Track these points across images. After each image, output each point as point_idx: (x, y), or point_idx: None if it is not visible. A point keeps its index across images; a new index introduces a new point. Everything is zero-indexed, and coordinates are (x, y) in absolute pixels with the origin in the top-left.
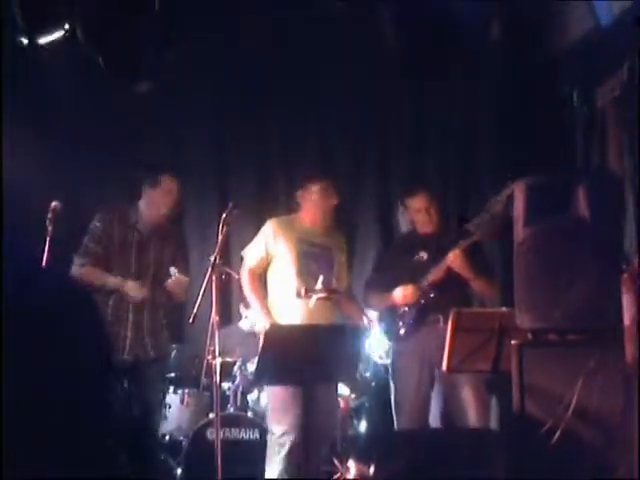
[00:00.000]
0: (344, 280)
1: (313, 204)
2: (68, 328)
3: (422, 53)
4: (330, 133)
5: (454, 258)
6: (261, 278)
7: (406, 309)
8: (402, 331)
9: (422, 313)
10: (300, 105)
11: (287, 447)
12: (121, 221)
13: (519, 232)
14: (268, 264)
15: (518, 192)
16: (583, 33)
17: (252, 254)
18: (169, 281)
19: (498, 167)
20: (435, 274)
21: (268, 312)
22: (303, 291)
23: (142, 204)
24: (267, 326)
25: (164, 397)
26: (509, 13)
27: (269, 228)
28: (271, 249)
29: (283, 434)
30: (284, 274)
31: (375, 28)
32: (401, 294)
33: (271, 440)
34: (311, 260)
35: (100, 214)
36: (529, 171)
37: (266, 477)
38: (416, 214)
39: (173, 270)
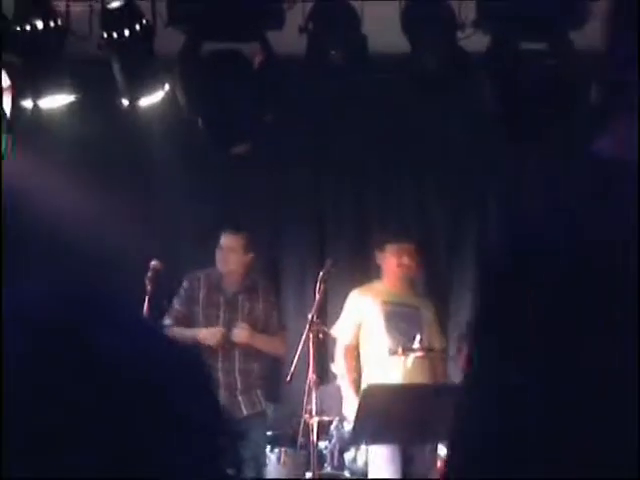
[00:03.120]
0: (437, 339)
1: (395, 266)
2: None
3: (520, 117)
4: (428, 195)
5: None
6: (356, 355)
7: None
8: None
9: None
10: (399, 167)
11: None
12: (206, 282)
13: None
14: (359, 333)
15: None
16: None
17: (343, 329)
18: (233, 332)
19: None
20: None
21: (354, 395)
22: (400, 350)
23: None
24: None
25: (258, 456)
26: (609, 75)
27: (352, 298)
28: (359, 317)
29: None
30: (374, 335)
31: (472, 93)
32: None
33: None
34: (399, 319)
35: (187, 276)
36: None
37: None
38: None
39: (239, 323)
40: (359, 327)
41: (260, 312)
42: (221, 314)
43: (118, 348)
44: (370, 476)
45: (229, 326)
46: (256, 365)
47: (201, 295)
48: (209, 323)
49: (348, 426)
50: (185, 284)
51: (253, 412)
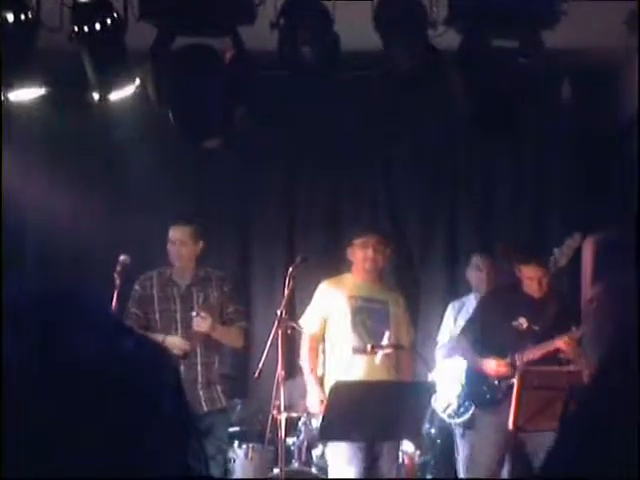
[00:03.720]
0: (405, 335)
1: (362, 259)
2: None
3: (492, 113)
4: (399, 191)
5: (566, 344)
6: (320, 345)
7: (496, 382)
8: (490, 400)
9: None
10: (371, 164)
11: None
12: (159, 280)
13: (587, 290)
14: (326, 327)
15: (586, 248)
16: None
17: (309, 321)
18: (195, 321)
19: (566, 223)
20: (535, 353)
21: (321, 388)
22: (369, 347)
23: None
24: (319, 396)
25: (224, 452)
26: (579, 74)
27: (320, 291)
28: (326, 310)
29: None
30: (340, 332)
31: (445, 91)
32: (492, 367)
33: None
34: (366, 315)
35: (139, 279)
36: (597, 228)
37: None
38: (528, 281)
39: (196, 312)
40: (325, 320)
41: (215, 302)
42: (177, 307)
43: (87, 343)
44: (330, 474)
45: (185, 319)
46: (216, 359)
47: (155, 293)
48: (165, 319)
49: (316, 422)
50: (136, 286)
51: (213, 408)
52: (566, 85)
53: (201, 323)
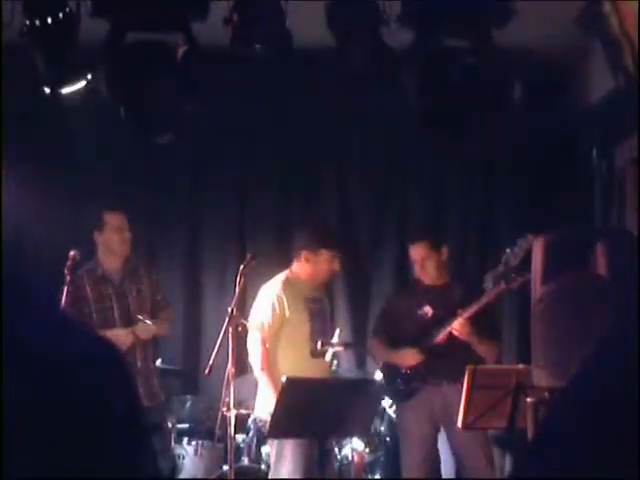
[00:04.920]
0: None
1: (318, 268)
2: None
3: (442, 110)
4: (350, 187)
5: (459, 327)
6: (275, 345)
7: (408, 371)
8: (404, 392)
9: (425, 375)
10: (321, 159)
11: None
12: (90, 278)
13: (537, 289)
14: (280, 328)
15: (537, 248)
16: (604, 93)
17: (266, 322)
18: (137, 328)
19: (517, 223)
20: (438, 337)
21: (275, 388)
22: (319, 344)
23: (99, 252)
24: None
25: (168, 448)
26: (532, 73)
27: (277, 293)
28: (285, 313)
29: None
30: (296, 335)
31: (397, 88)
32: (404, 358)
33: None
34: (317, 318)
35: (72, 278)
36: (547, 228)
37: None
38: (414, 263)
39: (141, 317)
40: (281, 320)
41: (146, 291)
42: (114, 304)
43: (35, 338)
44: (277, 468)
45: (123, 315)
46: (150, 352)
47: (88, 292)
48: (103, 317)
49: (266, 419)
50: (71, 288)
51: (153, 404)
52: (518, 84)
53: (145, 331)
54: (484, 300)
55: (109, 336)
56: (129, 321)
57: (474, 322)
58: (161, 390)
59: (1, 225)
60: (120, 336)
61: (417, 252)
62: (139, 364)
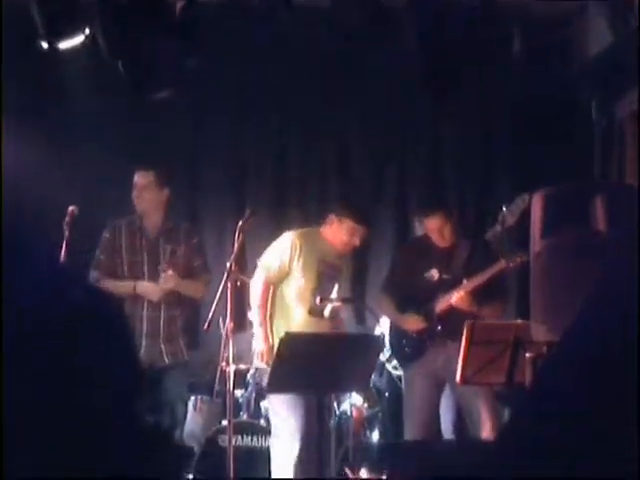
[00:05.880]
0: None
1: (339, 235)
2: (97, 338)
3: (441, 68)
4: (349, 146)
5: (459, 301)
6: (273, 292)
7: (414, 335)
8: (409, 353)
9: (430, 339)
10: (320, 118)
11: (296, 453)
12: (128, 229)
13: (536, 244)
14: (285, 277)
15: (536, 203)
16: (603, 47)
17: (273, 265)
18: (159, 280)
19: (516, 179)
20: (441, 306)
21: (267, 332)
22: (318, 299)
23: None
24: (263, 347)
25: (184, 404)
26: (531, 28)
27: (293, 242)
28: (292, 264)
29: (289, 441)
30: (299, 291)
31: (396, 45)
32: (409, 323)
33: (275, 447)
34: (326, 280)
35: (109, 226)
36: (547, 183)
37: None
38: (431, 232)
39: (162, 267)
40: (287, 271)
41: (182, 255)
42: (144, 259)
43: (36, 292)
44: (276, 423)
45: (152, 271)
46: (179, 313)
47: (123, 243)
48: (133, 270)
49: (265, 374)
50: (106, 234)
51: (175, 361)
52: (516, 40)
53: (167, 280)
54: (484, 277)
55: (137, 287)
56: (157, 278)
57: (476, 290)
58: (186, 349)
59: (1, 180)
60: (147, 289)
61: (434, 223)
62: (162, 323)
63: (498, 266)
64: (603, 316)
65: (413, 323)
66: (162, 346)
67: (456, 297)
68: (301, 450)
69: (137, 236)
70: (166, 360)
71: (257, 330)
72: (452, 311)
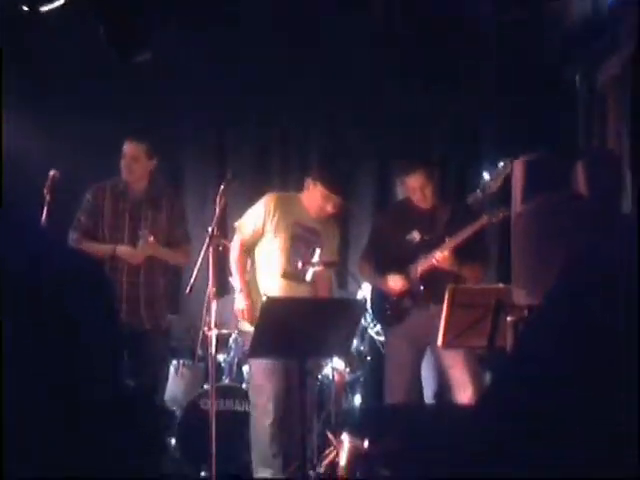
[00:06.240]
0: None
1: (312, 200)
2: (79, 301)
3: (423, 31)
4: (330, 107)
5: (442, 260)
6: (250, 252)
7: (395, 297)
8: (391, 316)
9: (412, 301)
10: (301, 80)
11: (272, 417)
12: (112, 193)
13: (517, 208)
14: (260, 238)
15: (517, 168)
16: (585, 14)
17: (248, 226)
18: (138, 244)
19: (499, 145)
20: (424, 266)
21: (248, 291)
22: (300, 264)
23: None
24: (243, 306)
25: (163, 371)
26: None
27: (269, 203)
28: (266, 225)
29: (266, 405)
30: (272, 253)
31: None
32: (390, 284)
33: (255, 411)
34: (301, 243)
35: (91, 188)
36: (529, 149)
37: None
38: (412, 192)
39: (143, 232)
40: (261, 233)
41: (163, 223)
42: (125, 223)
43: (17, 256)
44: (254, 387)
45: (133, 235)
46: (160, 279)
47: (105, 206)
48: (113, 233)
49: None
50: (89, 196)
51: (156, 326)
52: (499, 5)
53: (147, 246)
54: (466, 233)
55: (117, 251)
56: (137, 243)
57: (458, 250)
58: (166, 315)
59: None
60: (127, 252)
61: (416, 181)
62: (141, 288)
63: (480, 222)
64: (582, 280)
65: (395, 283)
66: (142, 311)
67: (438, 255)
68: (276, 416)
69: (120, 200)
70: (146, 325)
71: (237, 292)
72: (434, 271)
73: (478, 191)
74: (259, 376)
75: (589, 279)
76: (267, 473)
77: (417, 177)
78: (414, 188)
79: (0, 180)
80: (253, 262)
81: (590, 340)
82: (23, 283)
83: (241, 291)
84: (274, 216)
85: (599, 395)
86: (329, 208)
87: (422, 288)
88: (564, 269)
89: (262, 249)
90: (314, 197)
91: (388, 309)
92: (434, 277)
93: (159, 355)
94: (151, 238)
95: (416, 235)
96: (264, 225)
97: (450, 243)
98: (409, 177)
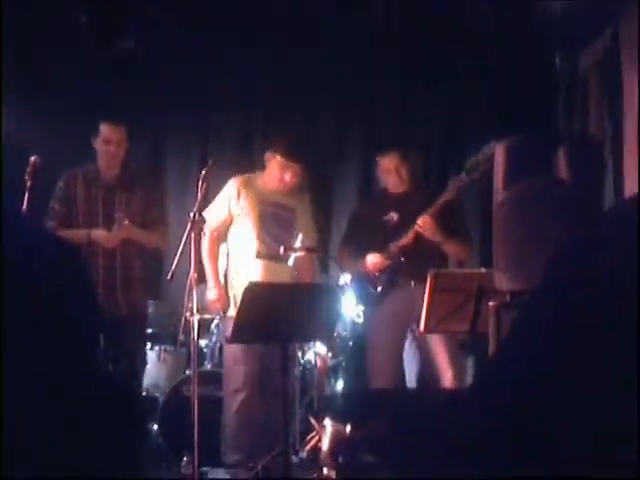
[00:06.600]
0: (310, 240)
1: (271, 173)
2: (58, 285)
3: (405, 15)
4: (313, 89)
5: (423, 224)
6: (220, 241)
7: (377, 274)
8: (374, 295)
9: (393, 278)
10: (282, 65)
11: (240, 401)
12: (84, 179)
13: (498, 193)
14: (230, 224)
15: (498, 153)
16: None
17: (214, 214)
18: (113, 228)
19: (481, 129)
20: (405, 239)
21: (217, 280)
22: (282, 249)
23: (97, 158)
24: (214, 296)
25: (142, 355)
26: None
27: (232, 187)
28: (233, 208)
29: (237, 389)
30: (244, 234)
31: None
32: (370, 262)
33: (226, 395)
34: (272, 221)
35: (63, 175)
36: (510, 133)
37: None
38: (387, 173)
39: (118, 215)
40: (229, 219)
41: (138, 205)
42: (99, 209)
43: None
44: (227, 372)
45: (108, 221)
46: (136, 263)
47: (78, 192)
48: (88, 219)
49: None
50: (61, 183)
51: (133, 311)
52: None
53: (121, 229)
54: (447, 195)
55: (91, 235)
56: (112, 227)
57: (440, 222)
58: (143, 300)
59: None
60: (101, 236)
61: (390, 162)
62: (118, 272)
63: (460, 180)
64: (567, 276)
65: (374, 261)
66: (119, 295)
67: (421, 220)
68: (244, 402)
69: (92, 186)
70: (123, 310)
71: (209, 280)
72: (415, 246)
73: (463, 173)
74: (229, 362)
75: (573, 275)
76: (234, 459)
77: (391, 158)
78: (389, 169)
79: (0, 180)
80: (229, 248)
81: (576, 336)
82: (8, 272)
83: (212, 281)
84: (239, 198)
85: (585, 391)
86: (288, 178)
87: (402, 260)
88: (548, 264)
89: (234, 233)
90: (271, 171)
91: (369, 288)
92: (415, 252)
93: (136, 340)
94: (126, 221)
95: (394, 215)
96: (230, 210)
97: (432, 208)
98: (384, 158)
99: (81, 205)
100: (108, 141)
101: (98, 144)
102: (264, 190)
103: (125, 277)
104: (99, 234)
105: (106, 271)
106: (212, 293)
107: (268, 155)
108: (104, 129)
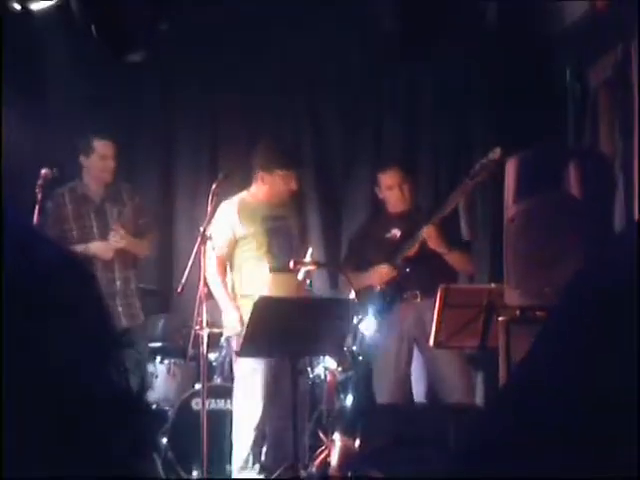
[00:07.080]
0: (307, 243)
1: (276, 189)
2: (70, 299)
3: (417, 30)
4: (322, 107)
5: (429, 233)
6: (226, 265)
7: (383, 287)
8: (380, 309)
9: (399, 290)
10: (293, 79)
11: (249, 415)
12: (72, 197)
13: (509, 208)
14: (235, 246)
15: (510, 166)
16: (579, 13)
17: (220, 240)
18: (110, 239)
19: (489, 145)
20: (409, 250)
21: (234, 302)
22: (292, 263)
23: (84, 173)
24: (237, 318)
25: (143, 367)
26: None
27: (231, 212)
28: (238, 232)
29: (251, 406)
30: (253, 254)
31: (370, 7)
32: (376, 274)
33: (239, 412)
34: (276, 235)
35: (51, 196)
36: (521, 147)
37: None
38: (387, 191)
39: (115, 227)
40: (235, 242)
41: (128, 215)
42: (93, 223)
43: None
44: (240, 387)
45: (103, 234)
46: (132, 273)
47: (69, 211)
48: (82, 236)
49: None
50: (49, 204)
51: (133, 324)
52: (491, 4)
53: (118, 239)
54: (453, 201)
55: (89, 248)
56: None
57: (445, 233)
58: (141, 311)
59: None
60: (99, 248)
61: (391, 178)
62: (118, 284)
63: (464, 187)
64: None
65: (380, 273)
66: (119, 308)
67: (425, 230)
68: (263, 415)
69: (82, 202)
70: (124, 321)
71: (224, 305)
72: (421, 258)
73: (467, 180)
74: (240, 376)
75: (593, 297)
76: (244, 473)
77: (391, 175)
78: (389, 186)
79: (0, 181)
80: (233, 269)
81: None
82: (13, 280)
83: (227, 302)
84: (241, 220)
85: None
86: (293, 187)
87: (408, 270)
88: (566, 289)
89: (242, 254)
90: (275, 187)
91: (375, 302)
92: (420, 263)
93: (136, 352)
94: (122, 231)
95: (396, 232)
96: (235, 234)
97: (436, 217)
98: (384, 174)
99: (74, 222)
100: (104, 157)
101: (92, 160)
102: (259, 206)
103: (124, 288)
104: (97, 246)
105: (106, 282)
106: (232, 316)
107: (261, 173)
108: (99, 145)
